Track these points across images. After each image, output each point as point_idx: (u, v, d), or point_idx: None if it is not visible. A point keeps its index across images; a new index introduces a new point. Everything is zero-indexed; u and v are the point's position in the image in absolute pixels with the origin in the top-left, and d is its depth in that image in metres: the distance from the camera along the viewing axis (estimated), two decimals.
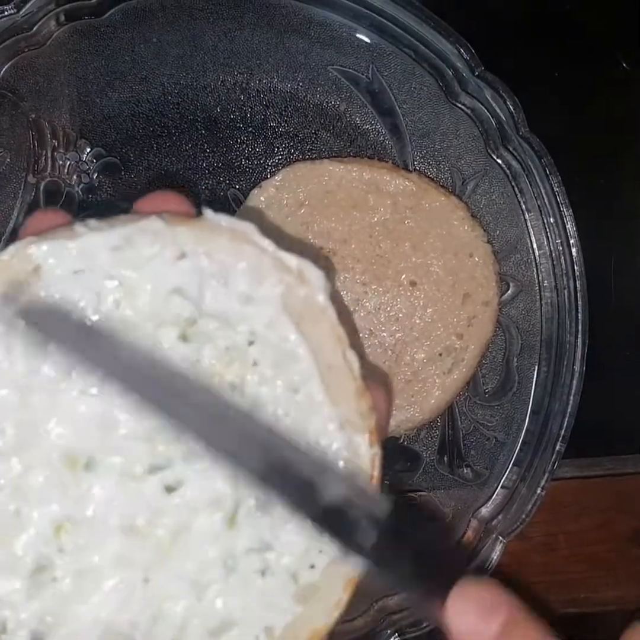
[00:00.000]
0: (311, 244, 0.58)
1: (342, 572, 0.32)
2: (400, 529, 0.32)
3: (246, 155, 0.60)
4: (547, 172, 0.57)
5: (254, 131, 0.60)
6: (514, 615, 0.32)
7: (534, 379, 0.59)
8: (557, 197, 0.57)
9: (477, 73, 0.56)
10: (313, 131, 0.60)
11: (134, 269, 0.32)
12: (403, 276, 0.59)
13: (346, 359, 0.32)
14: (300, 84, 0.60)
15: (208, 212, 0.33)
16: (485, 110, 0.57)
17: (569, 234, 0.58)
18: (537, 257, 0.59)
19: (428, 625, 0.58)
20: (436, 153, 0.60)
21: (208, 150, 0.60)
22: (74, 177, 0.60)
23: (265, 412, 0.32)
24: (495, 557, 0.58)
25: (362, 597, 0.60)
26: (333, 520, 0.31)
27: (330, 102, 0.60)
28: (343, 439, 0.32)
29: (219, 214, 0.33)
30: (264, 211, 0.58)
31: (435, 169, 0.60)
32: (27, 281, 0.32)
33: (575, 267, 0.57)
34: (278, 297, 0.32)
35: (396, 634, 0.58)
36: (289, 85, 0.60)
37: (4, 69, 0.57)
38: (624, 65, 0.66)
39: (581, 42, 0.65)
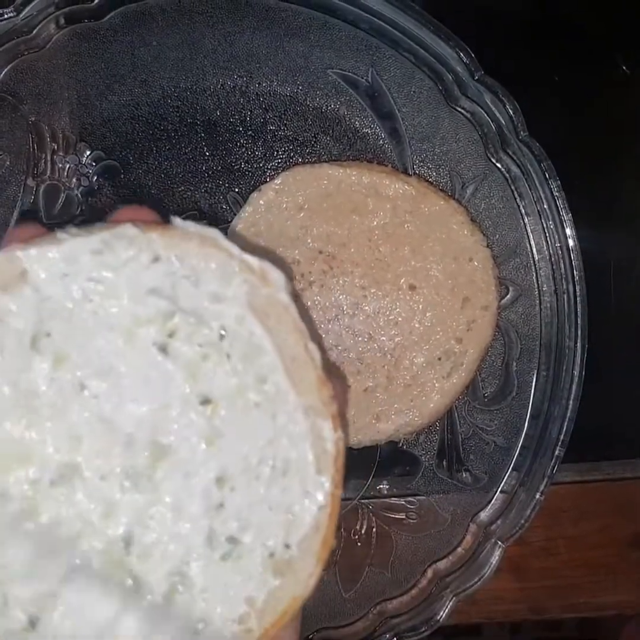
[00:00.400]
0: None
1: (314, 547, 0.34)
2: None
3: (246, 158, 0.60)
4: (547, 176, 0.57)
5: (253, 134, 0.60)
6: None
7: (534, 384, 0.59)
8: (557, 202, 0.57)
9: (476, 77, 0.56)
10: (312, 135, 0.60)
11: (113, 271, 0.34)
12: (402, 280, 0.59)
13: (308, 351, 0.34)
14: (300, 87, 0.60)
15: (176, 220, 0.35)
16: (485, 115, 0.57)
17: (568, 238, 0.58)
18: (536, 262, 0.59)
19: (426, 629, 0.58)
20: (436, 157, 0.60)
21: (207, 154, 0.60)
22: (74, 180, 0.60)
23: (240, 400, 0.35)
24: (494, 562, 0.58)
25: (361, 600, 0.60)
26: None
27: (330, 106, 0.60)
28: (307, 423, 0.34)
29: (187, 222, 0.35)
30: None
31: (434, 173, 0.60)
32: (15, 284, 0.33)
33: (575, 272, 0.57)
34: (244, 295, 0.34)
35: (395, 638, 0.58)
36: (288, 89, 0.60)
37: (3, 72, 0.57)
38: (624, 68, 0.66)
39: (581, 44, 0.65)
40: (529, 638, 0.92)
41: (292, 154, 0.60)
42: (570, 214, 0.57)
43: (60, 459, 0.33)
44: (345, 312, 0.59)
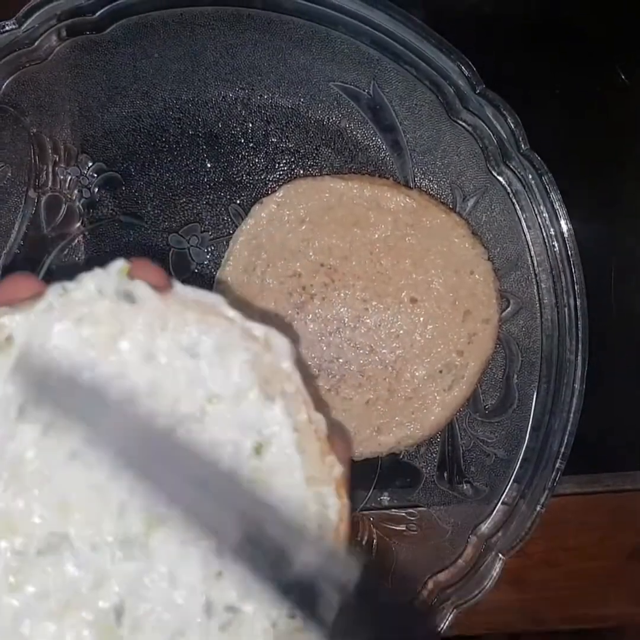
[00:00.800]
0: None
1: None
2: (364, 597, 0.32)
3: (247, 170, 0.61)
4: (548, 189, 0.57)
5: (255, 147, 0.60)
6: None
7: (534, 396, 0.60)
8: (558, 215, 0.57)
9: (478, 91, 0.56)
10: (314, 147, 0.60)
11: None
12: (404, 293, 0.59)
13: (311, 421, 0.34)
14: (302, 99, 0.60)
15: (178, 286, 0.34)
16: (486, 128, 0.57)
17: (569, 250, 0.58)
18: (537, 275, 0.59)
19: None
20: (437, 170, 0.60)
21: (209, 166, 0.60)
22: (75, 191, 0.60)
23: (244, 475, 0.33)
24: (494, 574, 0.58)
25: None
26: (298, 592, 0.31)
27: (332, 118, 0.60)
28: (310, 491, 0.34)
29: (188, 287, 0.34)
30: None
31: (436, 186, 0.60)
32: (1, 349, 0.32)
33: (576, 285, 0.58)
34: (246, 363, 0.33)
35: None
36: (290, 101, 0.60)
37: (5, 84, 0.57)
38: (623, 77, 0.66)
39: (581, 51, 0.65)
40: None
41: (293, 167, 0.60)
42: (571, 227, 0.57)
43: (48, 528, 0.32)
44: (346, 325, 0.59)
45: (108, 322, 0.32)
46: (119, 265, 0.33)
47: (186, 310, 0.33)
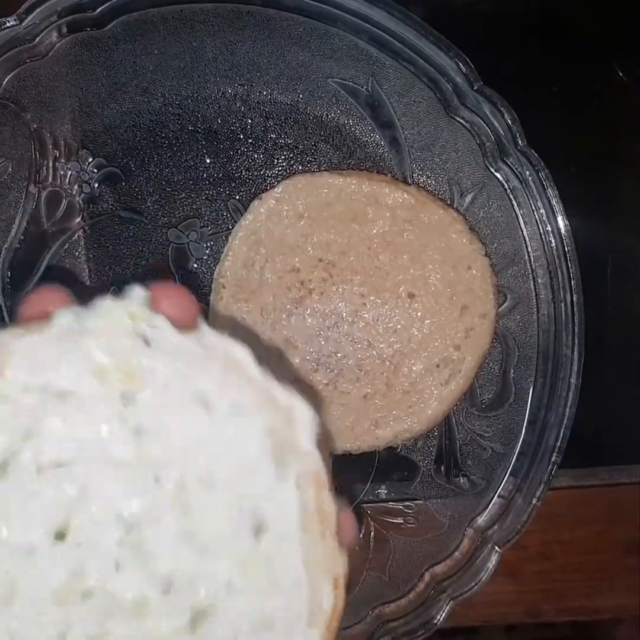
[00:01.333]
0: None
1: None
2: None
3: (246, 166, 0.61)
4: (545, 185, 0.58)
5: (254, 143, 0.61)
6: None
7: (531, 391, 0.60)
8: (555, 211, 0.58)
9: (476, 87, 0.56)
10: (313, 143, 0.61)
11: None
12: (401, 288, 0.59)
13: (322, 508, 0.32)
14: (301, 96, 0.60)
15: (204, 328, 0.32)
16: (484, 124, 0.57)
17: (566, 246, 0.58)
18: (534, 270, 0.60)
19: (423, 633, 0.58)
20: (435, 166, 0.60)
21: (208, 161, 0.61)
22: (75, 187, 0.60)
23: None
24: (491, 567, 0.59)
25: (359, 604, 0.61)
26: None
27: (330, 115, 0.60)
28: (307, 577, 0.32)
29: (214, 333, 0.32)
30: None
31: (433, 182, 0.61)
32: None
33: (572, 281, 0.58)
34: (263, 431, 0.31)
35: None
36: (289, 98, 0.60)
37: (6, 80, 0.58)
38: (620, 74, 0.67)
39: (579, 46, 0.65)
40: (525, 638, 0.93)
41: (292, 162, 0.61)
42: (568, 223, 0.58)
43: None
44: (344, 320, 0.59)
45: (120, 364, 0.30)
46: (140, 294, 0.31)
47: (208, 360, 0.31)
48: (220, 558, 0.31)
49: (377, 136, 0.60)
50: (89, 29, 0.58)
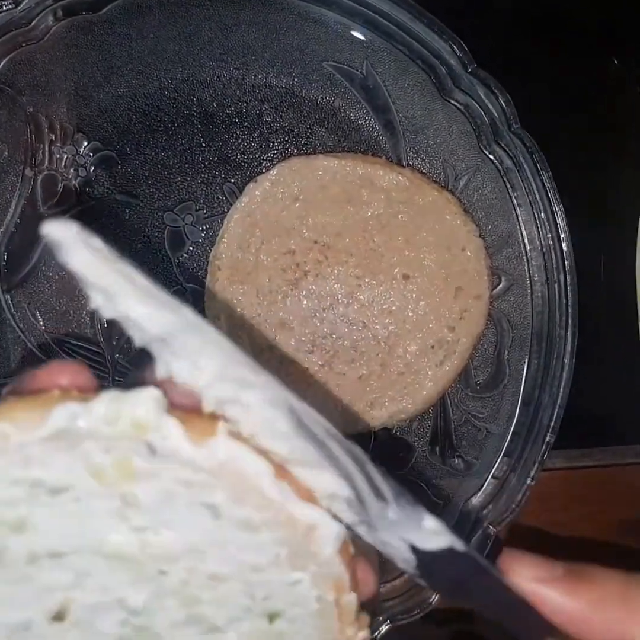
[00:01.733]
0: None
1: None
2: None
3: (242, 149, 0.61)
4: (538, 167, 0.58)
5: (249, 126, 0.61)
6: (574, 563, 0.32)
7: (525, 371, 0.60)
8: (548, 193, 0.58)
9: (469, 70, 0.57)
10: (308, 126, 0.61)
11: None
12: (396, 270, 0.60)
13: (342, 606, 0.30)
14: (296, 79, 0.60)
15: (220, 438, 0.27)
16: (478, 107, 0.58)
17: (559, 228, 0.59)
18: (528, 252, 0.60)
19: (419, 612, 0.59)
20: (429, 149, 0.61)
21: (204, 145, 0.61)
22: (71, 170, 0.61)
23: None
24: (485, 548, 0.59)
25: None
26: None
27: (325, 98, 0.61)
28: None
29: (231, 443, 0.28)
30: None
31: (428, 164, 0.61)
32: None
33: (566, 262, 0.58)
34: (277, 543, 0.29)
35: (388, 620, 0.59)
36: (284, 81, 0.60)
37: (2, 64, 0.58)
38: (616, 62, 0.67)
39: (574, 38, 0.66)
40: None
41: (287, 145, 0.61)
42: (562, 205, 0.58)
43: None
44: (339, 301, 0.60)
45: (121, 466, 0.28)
46: (152, 396, 0.27)
47: (220, 475, 0.28)
48: (229, 634, 0.30)
49: (372, 119, 0.61)
50: (84, 12, 0.58)
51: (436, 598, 0.59)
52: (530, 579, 0.31)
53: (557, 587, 0.31)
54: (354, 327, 0.60)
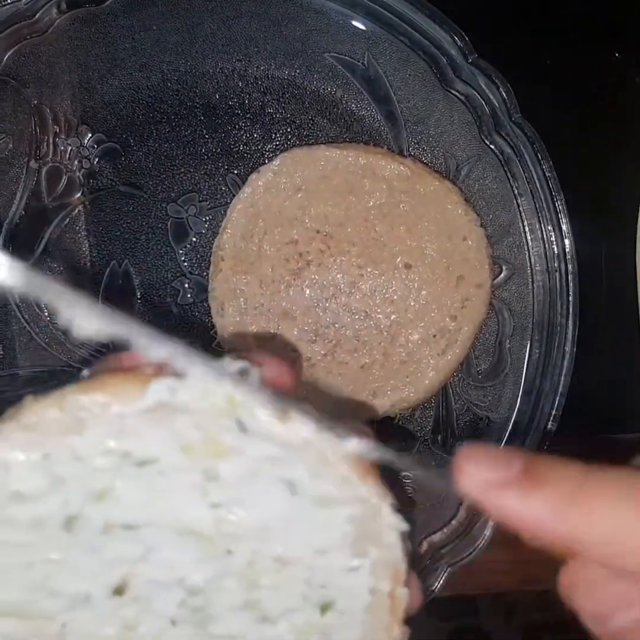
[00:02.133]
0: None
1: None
2: None
3: (244, 141, 0.62)
4: (539, 157, 0.58)
5: (252, 117, 0.61)
6: (534, 458, 0.29)
7: (526, 360, 0.61)
8: (549, 182, 0.58)
9: (470, 60, 0.57)
10: (310, 117, 0.61)
11: None
12: (398, 259, 0.60)
13: (394, 599, 0.31)
14: (298, 71, 0.61)
15: (305, 420, 0.29)
16: (479, 97, 0.58)
17: (560, 217, 0.59)
18: (529, 241, 0.60)
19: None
20: (430, 139, 0.61)
21: (207, 136, 0.62)
22: (75, 162, 0.61)
23: None
24: (487, 535, 0.60)
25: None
26: None
27: (327, 89, 0.61)
28: None
29: (314, 426, 0.29)
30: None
31: (429, 154, 0.61)
32: None
33: (566, 250, 0.59)
34: (348, 519, 0.31)
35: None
36: (286, 72, 0.61)
37: (6, 56, 0.58)
38: (617, 55, 0.67)
39: (576, 29, 0.66)
40: (525, 621, 0.93)
41: (290, 136, 0.61)
42: (562, 194, 0.58)
43: None
44: (342, 291, 0.60)
45: (210, 441, 0.29)
46: (243, 370, 0.29)
47: (302, 450, 0.29)
48: (279, 625, 0.31)
49: (374, 109, 0.61)
50: (88, 5, 0.58)
51: (439, 586, 0.59)
52: (483, 485, 0.29)
53: (510, 493, 0.29)
54: (357, 317, 0.60)
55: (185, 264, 0.62)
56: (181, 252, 0.62)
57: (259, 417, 0.29)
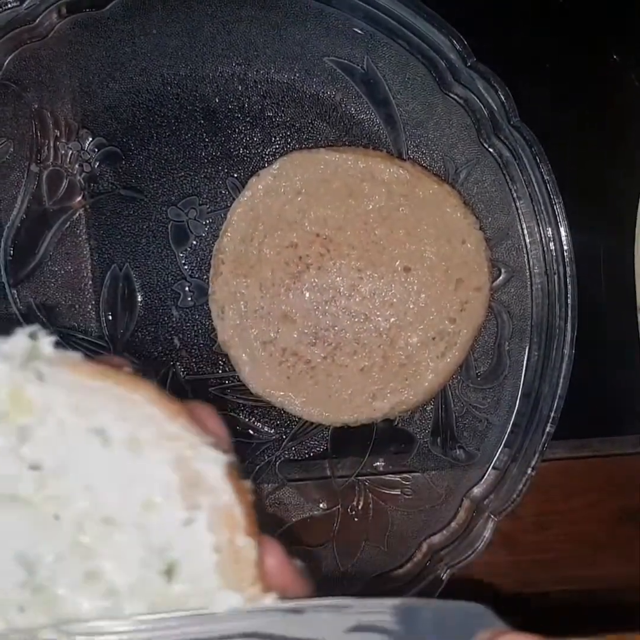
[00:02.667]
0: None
1: None
2: None
3: (244, 144, 0.62)
4: (537, 160, 0.58)
5: (251, 121, 0.62)
6: None
7: (525, 363, 0.61)
8: (547, 185, 0.59)
9: (469, 64, 0.57)
10: (309, 121, 0.61)
11: None
12: (397, 262, 0.60)
13: (237, 552, 0.29)
14: (297, 74, 0.61)
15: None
16: (477, 100, 0.58)
17: (558, 220, 0.59)
18: (527, 244, 0.61)
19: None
20: (429, 142, 0.61)
21: (207, 140, 0.62)
22: (76, 166, 0.61)
23: None
24: (487, 536, 0.60)
25: (358, 574, 0.62)
26: None
27: (326, 93, 0.61)
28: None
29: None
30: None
31: (428, 158, 0.61)
32: None
33: (565, 253, 0.59)
34: (168, 463, 0.29)
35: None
36: (285, 76, 0.61)
37: (7, 61, 0.58)
38: (615, 57, 0.67)
39: (574, 32, 0.66)
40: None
41: (289, 140, 0.62)
42: (561, 197, 0.59)
43: None
44: (342, 294, 0.60)
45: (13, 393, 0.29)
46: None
47: (104, 395, 0.29)
48: (129, 601, 0.29)
49: (373, 113, 0.61)
50: (88, 9, 0.59)
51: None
52: None
53: None
54: (356, 319, 0.60)
55: (186, 267, 0.62)
56: (181, 255, 0.62)
57: (53, 364, 0.29)
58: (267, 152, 0.62)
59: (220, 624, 0.28)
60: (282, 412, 0.62)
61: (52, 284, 0.62)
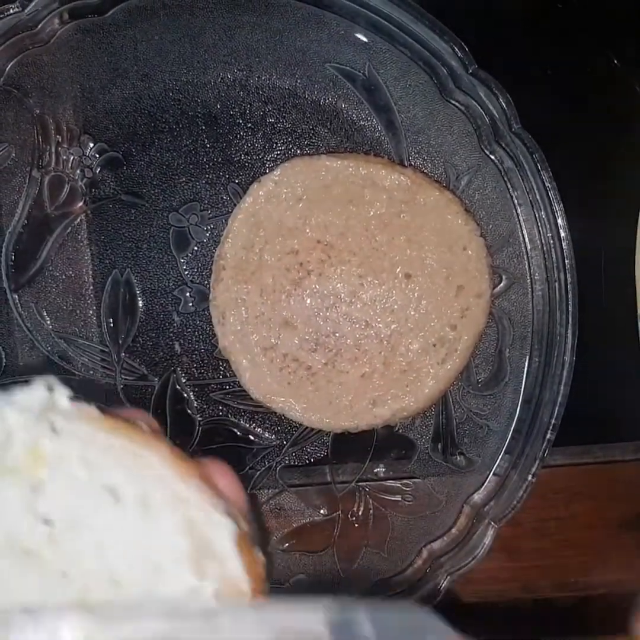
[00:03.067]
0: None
1: None
2: None
3: (245, 150, 0.62)
4: (539, 167, 0.58)
5: (253, 127, 0.62)
6: None
7: (526, 369, 0.61)
8: (549, 192, 0.59)
9: (470, 71, 0.57)
10: (311, 127, 0.62)
11: None
12: (398, 269, 0.60)
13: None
14: (299, 81, 0.61)
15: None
16: (479, 107, 0.58)
17: (559, 227, 0.59)
18: (528, 251, 0.61)
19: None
20: (431, 149, 0.61)
21: (208, 146, 0.62)
22: (78, 171, 0.61)
23: None
24: (487, 542, 0.60)
25: (358, 580, 0.62)
26: None
27: (328, 99, 0.61)
28: None
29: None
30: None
31: (430, 164, 0.62)
32: None
33: (566, 260, 0.59)
34: (178, 526, 0.29)
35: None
36: (287, 82, 0.61)
37: (9, 66, 0.59)
38: (615, 61, 0.67)
39: (574, 38, 0.66)
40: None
41: (290, 146, 0.62)
42: (562, 204, 0.59)
43: None
44: (342, 300, 0.60)
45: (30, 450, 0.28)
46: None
47: (120, 456, 0.29)
48: None
49: (374, 120, 0.61)
50: (90, 15, 0.59)
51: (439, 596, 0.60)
52: None
53: None
54: (357, 326, 0.61)
55: (187, 272, 0.62)
56: (183, 261, 0.62)
57: (68, 416, 0.28)
58: (268, 158, 0.62)
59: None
60: (283, 418, 0.63)
61: (54, 289, 0.62)
